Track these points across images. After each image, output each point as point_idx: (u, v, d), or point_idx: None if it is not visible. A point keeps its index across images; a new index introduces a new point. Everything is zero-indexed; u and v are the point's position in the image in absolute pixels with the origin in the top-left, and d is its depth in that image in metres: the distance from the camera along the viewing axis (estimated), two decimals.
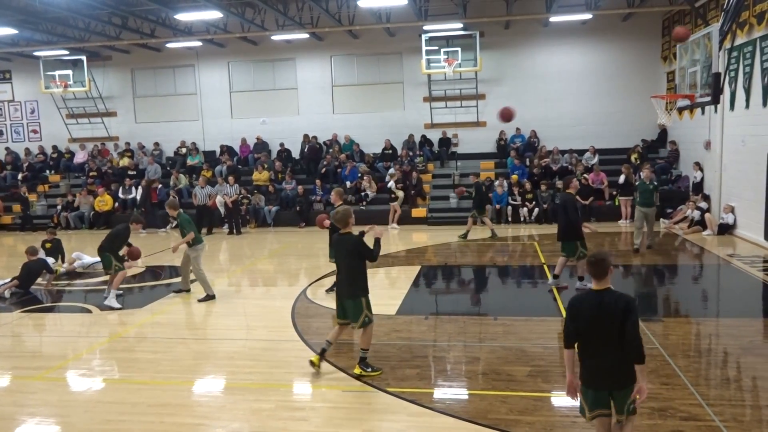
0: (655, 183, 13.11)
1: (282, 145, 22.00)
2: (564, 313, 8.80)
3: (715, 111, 15.44)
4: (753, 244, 13.52)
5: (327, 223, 9.82)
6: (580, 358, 4.42)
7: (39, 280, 11.97)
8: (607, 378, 4.29)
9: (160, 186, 20.61)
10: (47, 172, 23.45)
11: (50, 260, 13.42)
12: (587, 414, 4.42)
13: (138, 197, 20.59)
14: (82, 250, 14.23)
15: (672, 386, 6.16)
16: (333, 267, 12.40)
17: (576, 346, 4.40)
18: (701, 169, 16.89)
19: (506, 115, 12.66)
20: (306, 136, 21.89)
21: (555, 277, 10.37)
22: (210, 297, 10.23)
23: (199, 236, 10.32)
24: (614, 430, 4.44)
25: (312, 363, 6.81)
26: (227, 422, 5.81)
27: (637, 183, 12.97)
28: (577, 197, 17.44)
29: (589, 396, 4.37)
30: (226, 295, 11.00)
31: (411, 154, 20.79)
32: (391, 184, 19.30)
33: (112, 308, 9.93)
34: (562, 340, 4.46)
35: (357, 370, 6.70)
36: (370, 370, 6.70)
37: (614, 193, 18.15)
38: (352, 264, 6.67)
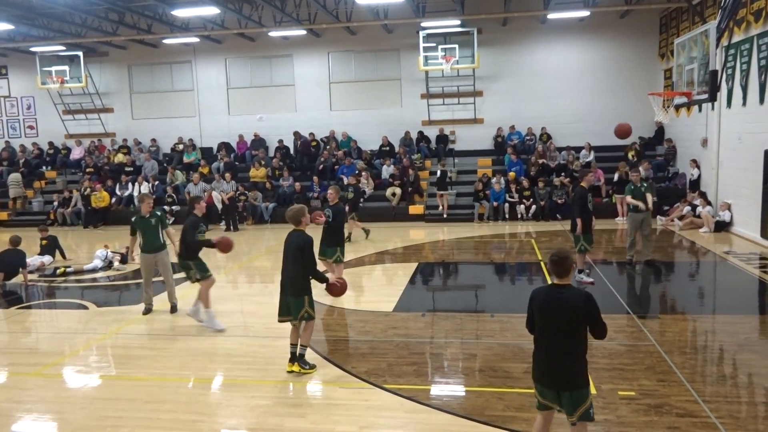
0: (650, 181, 11.60)
1: (281, 141, 21.97)
2: None
3: (712, 108, 15.46)
4: (749, 241, 13.55)
5: (323, 219, 9.80)
6: (533, 354, 4.51)
7: (32, 276, 11.95)
8: (553, 376, 4.33)
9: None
10: (43, 168, 23.40)
11: (47, 258, 13.45)
12: (538, 404, 4.52)
13: (134, 193, 20.59)
14: (79, 247, 14.17)
15: (668, 383, 6.18)
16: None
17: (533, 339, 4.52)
18: (698, 167, 16.92)
19: (622, 132, 12.12)
20: (297, 133, 21.83)
21: (579, 271, 10.45)
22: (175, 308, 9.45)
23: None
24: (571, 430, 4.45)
25: (291, 372, 6.73)
26: (224, 418, 5.81)
27: (632, 187, 11.50)
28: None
29: (537, 389, 4.48)
30: (224, 292, 11.00)
31: (404, 149, 20.80)
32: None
33: (215, 329, 8.40)
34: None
35: (296, 368, 6.70)
36: (308, 367, 6.74)
37: (610, 191, 18.19)
38: (297, 263, 6.58)
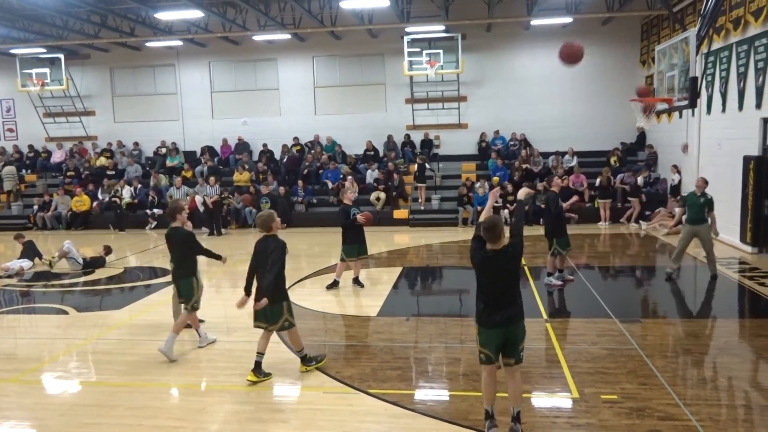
0: (709, 197, 10.43)
1: (265, 146, 21.89)
2: (544, 315, 8.91)
3: (693, 114, 15.64)
4: (729, 246, 13.72)
5: (371, 218, 10.53)
6: (481, 305, 5.17)
7: (10, 281, 11.81)
8: (502, 318, 5.05)
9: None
10: (23, 171, 23.08)
11: (26, 262, 13.28)
12: (481, 358, 5.23)
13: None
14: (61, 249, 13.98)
15: (650, 386, 6.23)
16: (315, 268, 12.43)
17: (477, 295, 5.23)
18: (679, 172, 17.14)
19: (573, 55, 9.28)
20: (285, 146, 21.72)
21: (549, 274, 10.68)
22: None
23: None
24: (506, 375, 5.32)
25: (252, 382, 6.58)
26: (206, 424, 5.76)
27: (686, 195, 10.83)
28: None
29: (482, 339, 5.18)
30: (207, 297, 10.91)
31: (394, 154, 20.88)
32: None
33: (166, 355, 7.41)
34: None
35: (302, 369, 6.87)
36: (314, 363, 6.91)
37: (593, 194, 18.35)
38: (275, 268, 6.46)
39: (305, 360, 6.91)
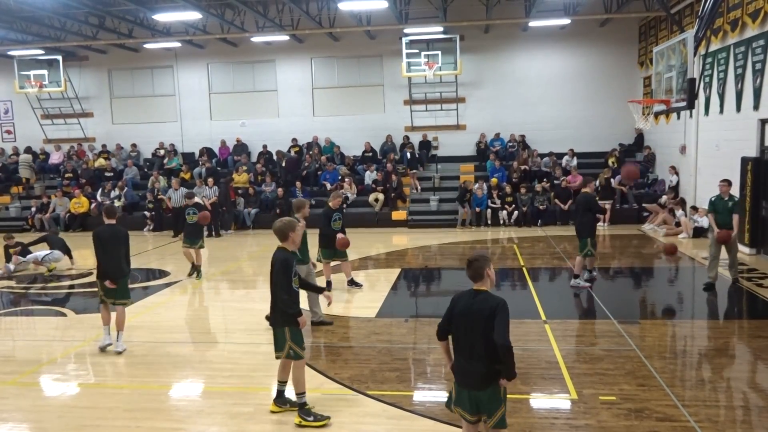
0: (736, 199, 10.23)
1: (265, 147, 21.88)
2: (543, 316, 8.90)
3: (690, 116, 15.69)
4: None
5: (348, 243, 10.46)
6: (454, 356, 4.45)
7: (10, 283, 11.80)
8: (468, 378, 4.29)
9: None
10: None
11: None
12: (452, 407, 4.45)
13: (121, 197, 20.35)
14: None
15: (648, 387, 6.24)
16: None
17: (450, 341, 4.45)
18: (677, 173, 17.16)
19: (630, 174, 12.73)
20: (279, 151, 21.68)
21: (575, 276, 10.61)
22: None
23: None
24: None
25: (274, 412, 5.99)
26: (205, 426, 5.75)
27: (712, 200, 10.31)
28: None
29: (455, 392, 4.40)
30: (205, 298, 10.92)
31: (396, 157, 20.93)
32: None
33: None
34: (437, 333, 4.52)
35: (297, 420, 5.73)
36: (311, 419, 5.66)
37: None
38: (277, 287, 5.78)
39: (302, 410, 5.75)
